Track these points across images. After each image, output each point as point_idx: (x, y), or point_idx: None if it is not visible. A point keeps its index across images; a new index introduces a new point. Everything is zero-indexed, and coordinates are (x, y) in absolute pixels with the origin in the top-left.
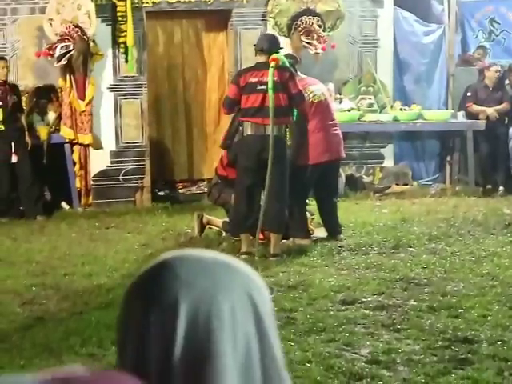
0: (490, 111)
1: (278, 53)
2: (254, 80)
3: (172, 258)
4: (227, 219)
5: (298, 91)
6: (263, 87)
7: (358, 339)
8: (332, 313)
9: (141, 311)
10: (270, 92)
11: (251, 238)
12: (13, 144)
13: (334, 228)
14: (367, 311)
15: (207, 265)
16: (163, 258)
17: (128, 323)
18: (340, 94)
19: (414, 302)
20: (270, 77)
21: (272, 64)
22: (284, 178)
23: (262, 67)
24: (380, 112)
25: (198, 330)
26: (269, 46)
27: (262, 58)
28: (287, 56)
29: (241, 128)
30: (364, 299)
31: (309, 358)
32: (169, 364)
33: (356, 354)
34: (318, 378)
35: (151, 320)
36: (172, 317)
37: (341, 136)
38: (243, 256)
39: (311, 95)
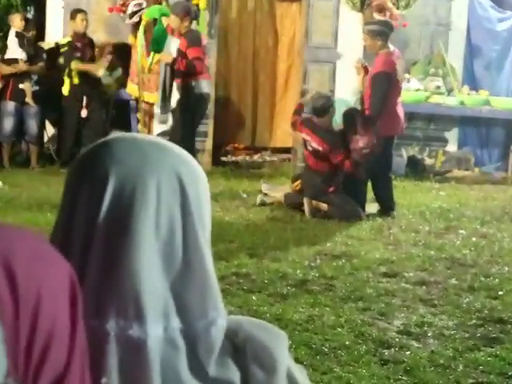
0: None
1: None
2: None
3: (111, 139)
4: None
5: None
6: None
7: (393, 311)
8: (372, 284)
9: (75, 183)
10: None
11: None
12: (85, 98)
13: (387, 203)
14: (407, 285)
15: (140, 145)
16: (104, 139)
17: (65, 195)
18: (409, 74)
19: (456, 280)
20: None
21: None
22: None
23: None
24: (447, 95)
25: (121, 205)
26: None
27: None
28: (381, 23)
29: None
30: (406, 274)
31: (341, 323)
32: (91, 233)
33: (389, 324)
34: (347, 342)
35: (82, 191)
36: (100, 189)
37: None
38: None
39: (398, 73)
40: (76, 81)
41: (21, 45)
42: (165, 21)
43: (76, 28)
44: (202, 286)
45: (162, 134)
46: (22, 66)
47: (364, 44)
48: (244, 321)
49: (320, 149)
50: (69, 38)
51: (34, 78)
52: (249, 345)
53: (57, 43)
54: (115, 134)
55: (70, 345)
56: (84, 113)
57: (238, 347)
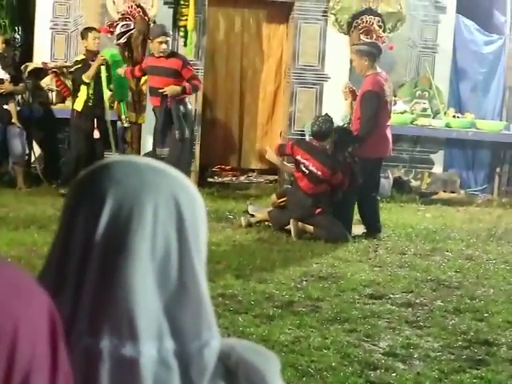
0: None
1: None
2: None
3: (110, 161)
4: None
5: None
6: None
7: (379, 332)
8: (358, 305)
9: (74, 202)
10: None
11: None
12: (95, 120)
13: (373, 225)
14: (393, 307)
15: (139, 167)
16: (104, 161)
17: (63, 214)
18: (395, 96)
19: (441, 302)
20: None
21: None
22: None
23: None
24: (433, 117)
25: (118, 224)
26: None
27: None
28: (370, 44)
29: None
30: (392, 295)
31: (327, 344)
32: (88, 252)
33: (375, 345)
34: (334, 364)
35: (80, 211)
36: (98, 209)
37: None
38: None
39: (386, 94)
40: (90, 102)
41: (3, 66)
42: (121, 71)
43: (89, 46)
44: (196, 308)
45: (148, 155)
46: (8, 86)
47: (353, 65)
48: (236, 343)
49: (319, 173)
50: (82, 56)
51: (17, 98)
52: (241, 368)
53: (75, 61)
54: (113, 157)
55: (52, 378)
56: (96, 134)
57: (231, 370)
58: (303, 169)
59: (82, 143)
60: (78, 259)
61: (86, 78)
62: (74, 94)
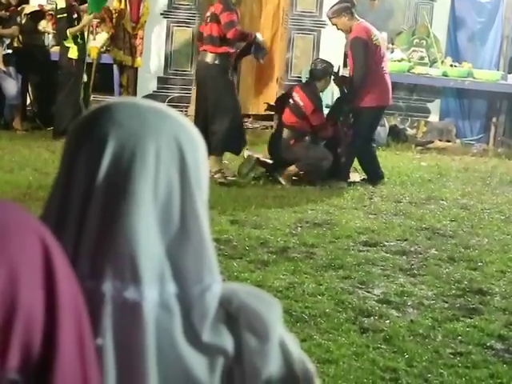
0: None
1: None
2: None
3: (112, 103)
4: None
5: (228, 21)
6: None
7: (374, 279)
8: (352, 252)
9: (74, 145)
10: None
11: None
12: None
13: (378, 172)
14: (387, 254)
15: (141, 109)
16: (104, 103)
17: (64, 156)
18: (392, 44)
19: (436, 251)
20: None
21: None
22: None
23: None
24: (430, 66)
25: (120, 167)
26: None
27: None
28: (340, 1)
29: None
30: (386, 243)
31: (322, 291)
32: (89, 195)
33: (369, 292)
34: (328, 310)
35: (81, 153)
36: (99, 150)
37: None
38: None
39: (374, 38)
40: (81, 41)
41: None
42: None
43: None
44: (198, 252)
45: (146, 98)
46: None
47: (338, 29)
48: (238, 289)
49: (301, 104)
50: (63, 3)
51: (7, 41)
52: (242, 312)
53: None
54: (114, 99)
55: (52, 313)
56: (85, 77)
57: (232, 315)
58: (290, 101)
59: (79, 89)
60: (80, 202)
61: (70, 33)
62: (61, 41)
